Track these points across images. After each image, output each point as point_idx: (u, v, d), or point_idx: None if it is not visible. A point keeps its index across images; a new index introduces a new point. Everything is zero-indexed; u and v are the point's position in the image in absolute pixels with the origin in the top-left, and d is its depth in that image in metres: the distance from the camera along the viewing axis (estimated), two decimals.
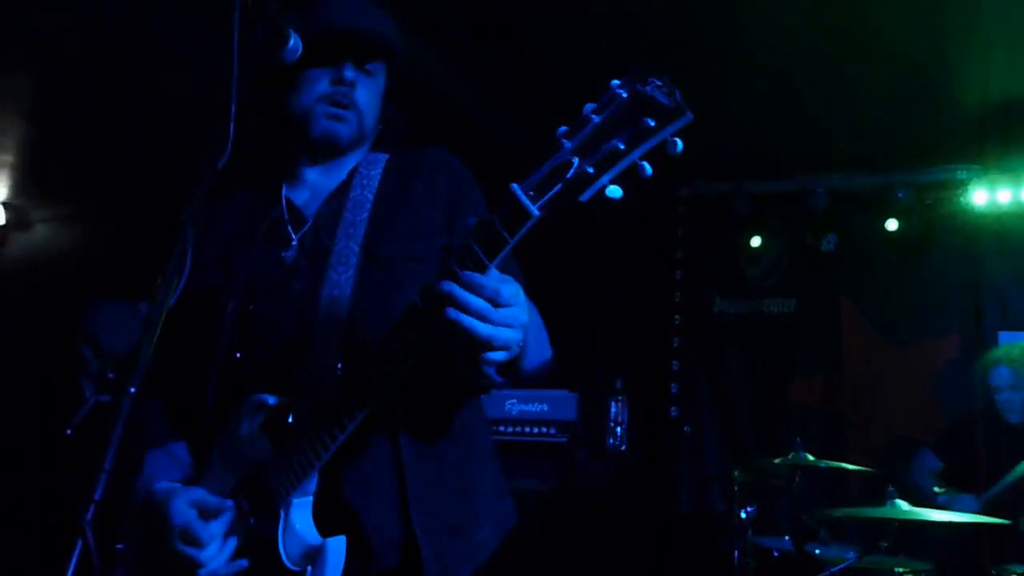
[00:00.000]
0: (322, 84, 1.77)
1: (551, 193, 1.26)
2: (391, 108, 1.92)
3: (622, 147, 1.21)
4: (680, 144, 1.22)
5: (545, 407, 5.23)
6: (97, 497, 1.14)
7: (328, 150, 1.84)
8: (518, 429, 5.22)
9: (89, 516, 1.13)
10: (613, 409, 5.24)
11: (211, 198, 1.38)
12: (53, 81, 4.72)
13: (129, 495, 1.69)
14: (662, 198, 5.94)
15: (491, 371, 1.46)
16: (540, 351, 1.61)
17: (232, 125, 1.39)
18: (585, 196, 1.25)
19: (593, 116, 1.24)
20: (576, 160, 1.24)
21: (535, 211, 1.26)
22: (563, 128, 1.27)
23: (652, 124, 1.20)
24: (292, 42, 1.59)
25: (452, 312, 1.32)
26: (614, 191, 1.24)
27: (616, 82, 1.24)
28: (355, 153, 1.88)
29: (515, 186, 1.28)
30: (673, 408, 5.92)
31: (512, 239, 1.29)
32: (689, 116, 1.20)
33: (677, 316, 6.05)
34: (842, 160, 5.61)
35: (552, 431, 5.18)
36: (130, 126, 5.22)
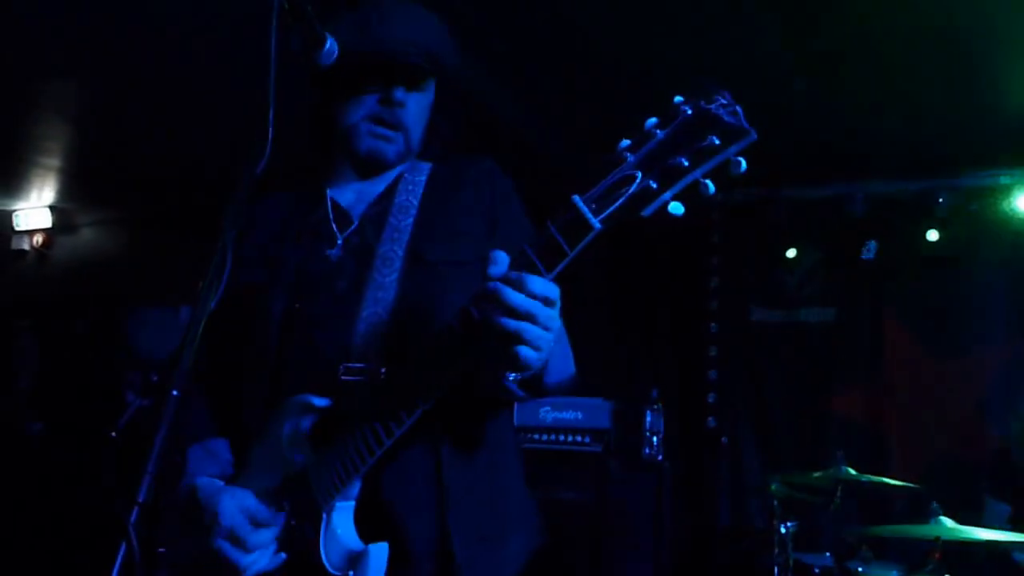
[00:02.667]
0: (371, 102, 1.78)
1: (613, 206, 1.26)
2: (438, 118, 1.92)
3: (686, 164, 1.22)
4: (744, 164, 1.22)
5: (579, 415, 5.19)
6: (141, 499, 1.14)
7: (373, 166, 1.85)
8: (552, 437, 5.19)
9: (133, 518, 1.14)
10: (649, 418, 5.18)
11: (251, 199, 1.41)
12: (100, 87, 4.77)
13: (171, 495, 1.70)
14: (698, 204, 5.89)
15: (513, 385, 1.47)
16: (564, 365, 1.64)
17: (271, 128, 1.40)
18: (648, 211, 1.26)
19: (656, 131, 1.25)
20: (639, 174, 1.25)
21: (597, 224, 1.26)
22: (625, 142, 1.27)
23: (716, 142, 1.20)
24: (328, 45, 1.60)
25: (504, 310, 1.30)
26: (676, 207, 1.26)
27: (680, 98, 1.25)
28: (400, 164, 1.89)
29: (577, 197, 1.27)
30: (710, 418, 5.82)
31: (571, 251, 1.29)
32: (753, 135, 1.20)
33: (714, 324, 5.94)
34: (882, 166, 5.50)
35: (587, 439, 5.14)
36: (176, 132, 5.28)
